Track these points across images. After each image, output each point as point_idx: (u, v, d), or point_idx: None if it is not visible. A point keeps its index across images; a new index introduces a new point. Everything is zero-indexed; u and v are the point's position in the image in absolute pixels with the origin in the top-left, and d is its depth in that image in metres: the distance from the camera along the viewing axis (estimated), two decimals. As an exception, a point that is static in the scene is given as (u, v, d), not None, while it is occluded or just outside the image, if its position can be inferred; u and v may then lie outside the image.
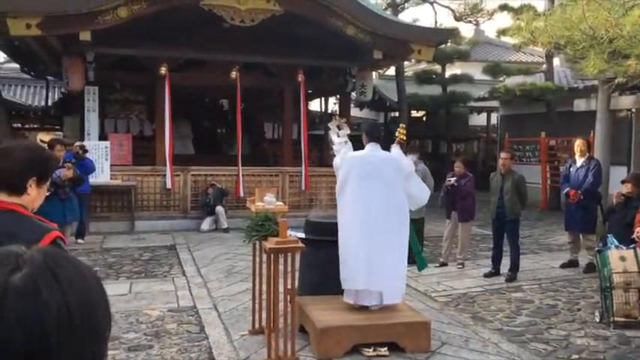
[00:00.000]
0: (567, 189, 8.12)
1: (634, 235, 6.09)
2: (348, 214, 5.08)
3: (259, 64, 12.27)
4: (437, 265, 8.31)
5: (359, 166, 5.12)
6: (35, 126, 19.89)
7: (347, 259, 5.00)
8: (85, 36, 9.72)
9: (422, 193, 5.42)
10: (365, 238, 4.98)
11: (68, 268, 0.79)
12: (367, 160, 5.16)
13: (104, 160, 10.79)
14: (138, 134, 13.64)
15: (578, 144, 8.24)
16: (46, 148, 7.22)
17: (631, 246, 5.99)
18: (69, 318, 0.75)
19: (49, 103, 16.99)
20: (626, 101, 10.38)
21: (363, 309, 5.06)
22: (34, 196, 2.17)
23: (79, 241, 9.35)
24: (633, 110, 11.46)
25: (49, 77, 15.27)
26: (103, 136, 11.91)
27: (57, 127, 17.80)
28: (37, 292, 0.75)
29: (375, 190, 5.04)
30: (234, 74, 11.33)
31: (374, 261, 4.96)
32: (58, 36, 9.88)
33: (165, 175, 11.18)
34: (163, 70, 10.95)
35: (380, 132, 5.71)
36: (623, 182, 7.09)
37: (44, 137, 17.27)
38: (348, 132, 5.47)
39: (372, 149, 5.23)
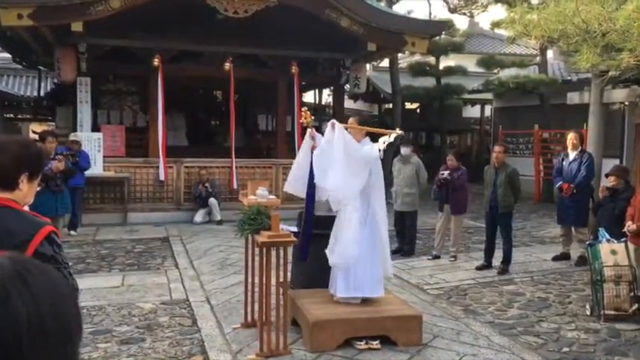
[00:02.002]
0: (560, 183, 8.14)
1: (625, 229, 6.12)
2: (382, 206, 5.19)
3: (253, 56, 12.22)
4: (429, 257, 8.35)
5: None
6: (27, 117, 19.79)
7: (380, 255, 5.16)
8: (77, 27, 9.65)
9: None
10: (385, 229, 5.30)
11: (38, 274, 0.79)
12: None
13: (97, 152, 10.74)
14: (131, 126, 13.57)
15: (570, 137, 8.25)
16: (37, 140, 7.21)
17: (622, 240, 6.02)
18: (40, 323, 0.75)
19: (42, 93, 16.89)
20: (618, 94, 10.42)
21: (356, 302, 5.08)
22: (26, 191, 2.17)
23: (72, 233, 9.33)
24: (626, 103, 11.50)
25: (41, 67, 15.17)
26: (95, 128, 11.85)
27: (49, 117, 17.71)
28: (7, 298, 0.75)
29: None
30: (227, 66, 11.28)
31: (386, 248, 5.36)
32: (50, 26, 9.81)
33: (158, 167, 11.15)
34: (157, 62, 10.89)
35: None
36: (606, 176, 7.13)
37: (36, 128, 17.21)
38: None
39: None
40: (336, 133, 4.96)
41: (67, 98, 12.56)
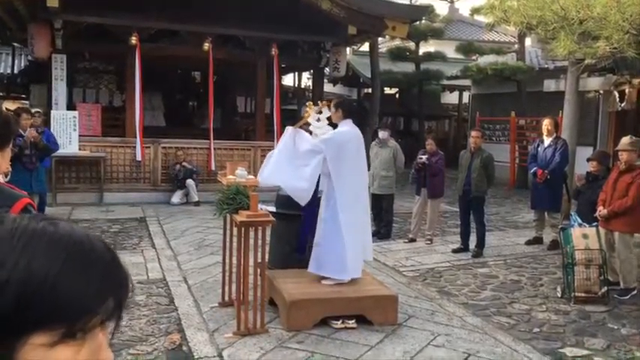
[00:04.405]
0: (535, 168, 8.27)
1: (596, 214, 6.27)
2: (350, 192, 5.12)
3: (232, 37, 12.10)
4: (406, 240, 8.44)
5: (350, 144, 5.15)
6: (0, 94, 19.36)
7: (353, 241, 5.11)
8: (53, 2, 9.45)
9: None
10: (362, 213, 5.26)
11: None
12: (354, 137, 5.21)
13: (72, 131, 10.58)
14: (107, 105, 13.39)
15: (545, 124, 8.37)
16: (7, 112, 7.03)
17: (594, 224, 6.16)
18: None
19: (15, 70, 16.53)
20: (594, 83, 10.57)
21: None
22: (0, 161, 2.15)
23: (43, 214, 9.18)
24: (601, 92, 11.68)
25: (16, 44, 14.84)
26: (71, 106, 11.67)
27: (23, 95, 17.36)
28: None
29: (361, 165, 5.30)
30: (206, 46, 11.17)
31: (366, 233, 5.36)
32: (25, 1, 9.58)
33: (135, 147, 11.04)
34: (134, 40, 10.73)
35: (353, 107, 5.76)
36: (588, 160, 7.25)
37: (10, 106, 16.84)
38: (329, 114, 5.39)
39: (351, 125, 5.25)
40: (285, 136, 5.20)
41: (42, 76, 12.32)
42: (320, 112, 5.39)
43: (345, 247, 5.05)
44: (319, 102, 5.61)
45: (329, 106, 5.40)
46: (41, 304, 0.66)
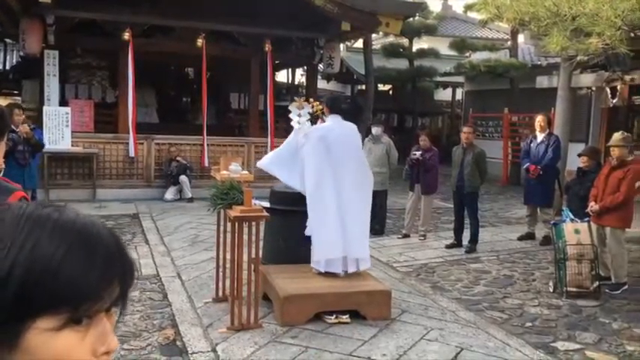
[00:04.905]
0: (527, 164, 8.31)
1: (588, 209, 6.31)
2: (318, 185, 5.09)
3: (226, 33, 12.07)
4: (399, 236, 8.47)
5: (326, 138, 5.15)
6: (-8, 90, 19.24)
7: (321, 230, 5.08)
8: (45, -3, 9.39)
9: None
10: (338, 208, 5.11)
11: None
12: (334, 132, 5.21)
13: (64, 127, 10.54)
14: (100, 101, 13.34)
15: (538, 120, 8.42)
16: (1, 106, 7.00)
17: (585, 219, 6.20)
18: None
19: (7, 66, 16.44)
20: (586, 79, 10.60)
21: (327, 277, 5.13)
22: None
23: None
24: (593, 88, 11.72)
25: (7, 40, 14.75)
26: (63, 102, 11.61)
27: (15, 92, 17.27)
28: None
29: (344, 161, 5.16)
30: (200, 42, 11.13)
31: (348, 229, 5.15)
32: (16, -4, 9.53)
33: (128, 143, 11.01)
34: (127, 36, 10.68)
35: (341, 103, 5.75)
36: (579, 155, 7.31)
37: (1, 102, 16.75)
38: (310, 110, 5.47)
39: (335, 121, 5.28)
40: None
41: (34, 72, 12.26)
42: (301, 109, 5.42)
43: (313, 240, 5.10)
44: (295, 99, 5.71)
45: (308, 101, 5.55)
46: (45, 289, 0.66)
